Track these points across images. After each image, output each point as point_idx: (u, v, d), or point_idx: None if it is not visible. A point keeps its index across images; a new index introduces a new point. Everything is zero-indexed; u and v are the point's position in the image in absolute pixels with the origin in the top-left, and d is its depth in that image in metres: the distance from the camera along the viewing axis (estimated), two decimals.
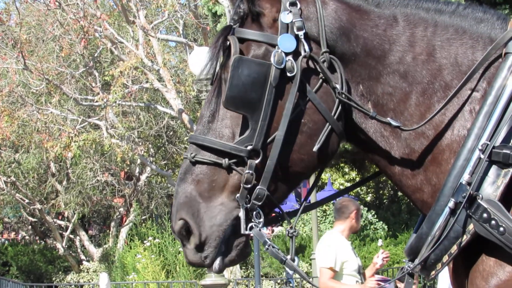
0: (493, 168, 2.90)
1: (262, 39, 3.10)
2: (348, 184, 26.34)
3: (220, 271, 3.20)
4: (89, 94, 16.99)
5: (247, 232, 3.04)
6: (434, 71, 3.19)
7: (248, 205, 3.04)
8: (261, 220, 3.07)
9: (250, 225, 3.04)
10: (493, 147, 2.89)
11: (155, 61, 15.08)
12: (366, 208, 22.32)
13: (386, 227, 21.43)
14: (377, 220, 22.18)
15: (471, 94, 3.12)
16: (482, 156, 2.91)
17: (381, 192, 30.12)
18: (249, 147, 3.01)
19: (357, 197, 25.30)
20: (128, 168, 21.08)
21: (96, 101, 16.32)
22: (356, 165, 25.08)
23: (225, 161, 3.02)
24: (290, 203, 15.76)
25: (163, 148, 20.51)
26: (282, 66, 3.05)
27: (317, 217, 17.49)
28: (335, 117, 3.11)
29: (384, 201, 26.92)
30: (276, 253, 3.11)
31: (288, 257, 3.24)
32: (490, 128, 2.95)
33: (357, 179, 29.43)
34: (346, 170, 28.22)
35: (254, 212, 3.05)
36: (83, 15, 15.61)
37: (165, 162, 20.55)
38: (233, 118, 3.12)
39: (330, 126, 3.10)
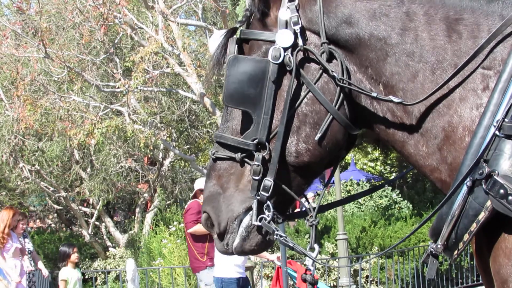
0: (509, 144, 2.90)
1: (263, 37, 3.23)
2: (372, 164, 26.33)
3: (240, 255, 3.42)
4: (111, 80, 17.03)
5: (256, 223, 3.16)
6: (442, 49, 3.21)
7: (258, 197, 3.16)
8: (269, 213, 3.17)
9: (260, 216, 3.17)
10: (508, 122, 2.90)
11: (175, 46, 15.05)
12: (390, 187, 22.26)
13: (411, 206, 21.38)
14: (402, 199, 22.11)
15: (483, 71, 3.11)
16: (497, 133, 2.94)
17: (405, 170, 30.05)
18: (255, 141, 3.15)
19: (381, 177, 25.27)
20: (151, 153, 21.13)
21: (118, 88, 16.34)
22: (379, 145, 25.04)
23: (237, 156, 3.18)
24: (315, 185, 15.76)
25: (186, 133, 20.49)
26: (280, 61, 3.15)
27: (341, 194, 17.51)
28: (337, 106, 3.18)
29: (408, 179, 26.87)
30: (285, 242, 3.28)
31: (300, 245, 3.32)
32: (505, 105, 2.95)
33: (380, 158, 29.42)
34: (369, 149, 28.20)
35: (264, 205, 3.17)
36: (102, 1, 15.59)
37: (188, 146, 20.56)
38: (243, 114, 3.25)
39: (331, 116, 3.17)
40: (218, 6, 15.51)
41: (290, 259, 13.76)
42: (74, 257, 12.22)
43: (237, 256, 10.51)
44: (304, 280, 3.60)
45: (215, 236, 3.30)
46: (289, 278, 11.94)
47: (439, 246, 3.03)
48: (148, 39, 15.51)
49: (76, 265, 12.33)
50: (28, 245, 14.93)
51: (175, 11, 15.17)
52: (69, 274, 11.75)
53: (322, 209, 3.56)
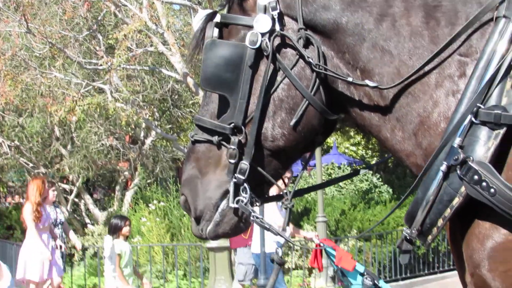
0: (484, 130, 2.93)
1: (241, 22, 3.27)
2: (354, 148, 26.42)
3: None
4: (93, 57, 16.97)
5: (233, 205, 3.21)
6: (420, 35, 3.23)
7: (235, 180, 3.21)
8: (246, 195, 3.22)
9: (237, 198, 3.22)
10: (484, 108, 2.92)
11: (159, 25, 15.02)
12: (371, 172, 22.37)
13: (391, 190, 21.50)
14: (382, 183, 22.22)
15: (460, 58, 3.14)
16: (473, 119, 2.96)
17: (386, 155, 30.18)
18: (231, 125, 3.18)
19: (362, 161, 25.34)
20: (133, 132, 21.13)
21: (100, 65, 16.31)
22: (360, 129, 25.18)
23: (215, 139, 3.22)
24: (296, 167, 15.80)
25: (168, 112, 20.49)
26: (257, 46, 3.19)
27: (322, 181, 17.56)
28: (313, 91, 3.22)
29: (389, 164, 27.00)
30: (261, 224, 3.38)
31: (277, 226, 3.38)
32: (482, 91, 2.98)
33: (362, 142, 29.55)
34: (352, 133, 28.29)
35: (241, 187, 3.21)
36: None
37: (170, 126, 20.56)
38: (220, 98, 3.29)
39: (307, 101, 3.21)
40: None
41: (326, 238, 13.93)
42: (126, 230, 12.07)
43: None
44: (272, 260, 3.65)
45: (191, 219, 3.36)
46: (327, 256, 11.98)
47: (413, 231, 3.07)
48: (132, 16, 15.46)
49: (127, 238, 12.19)
50: (60, 215, 14.82)
51: None
52: (122, 247, 11.65)
53: (298, 193, 3.62)
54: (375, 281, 9.10)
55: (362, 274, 10.36)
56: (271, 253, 11.24)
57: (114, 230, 12.03)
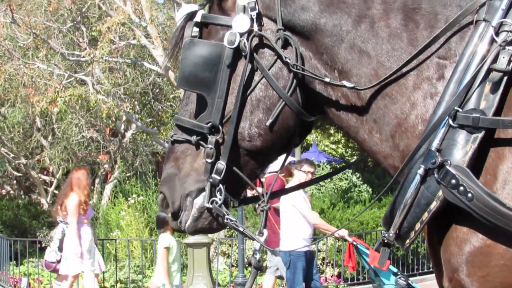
0: (462, 134, 2.92)
1: (220, 22, 3.26)
2: (333, 146, 26.49)
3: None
4: (76, 49, 16.96)
5: (207, 205, 3.20)
6: (398, 37, 3.21)
7: (211, 180, 3.20)
8: (221, 196, 3.20)
9: (212, 199, 3.20)
10: (463, 112, 2.91)
11: (142, 18, 15.03)
12: (350, 171, 22.42)
13: (370, 189, 21.54)
14: (362, 182, 22.27)
15: (439, 60, 3.14)
16: (451, 122, 2.95)
17: (366, 154, 30.25)
18: (209, 124, 3.17)
19: (342, 159, 25.40)
20: (113, 124, 21.09)
21: (83, 57, 16.29)
22: (339, 129, 25.32)
23: (193, 138, 3.22)
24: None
25: (149, 106, 20.49)
26: (235, 46, 3.18)
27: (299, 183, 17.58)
28: (289, 92, 3.20)
29: (369, 163, 27.12)
30: (235, 227, 3.35)
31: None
32: (460, 95, 2.96)
33: (342, 140, 29.66)
34: (332, 131, 28.37)
35: (217, 188, 3.21)
36: None
37: (150, 119, 20.54)
38: (199, 98, 3.28)
39: (283, 102, 3.19)
40: None
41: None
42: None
43: (304, 230, 10.66)
44: (249, 264, 3.64)
45: (169, 215, 3.36)
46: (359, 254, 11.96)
47: (391, 234, 3.06)
48: (116, 9, 15.44)
49: (173, 233, 11.92)
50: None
51: None
52: (170, 241, 11.51)
53: (275, 194, 3.61)
54: (409, 282, 9.19)
55: (395, 274, 10.39)
56: (295, 252, 11.24)
57: (161, 224, 11.77)
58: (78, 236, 13.17)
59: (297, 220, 10.87)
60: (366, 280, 16.00)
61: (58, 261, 13.51)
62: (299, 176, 11.42)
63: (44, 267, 14.25)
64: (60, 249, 13.48)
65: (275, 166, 12.14)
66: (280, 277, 13.40)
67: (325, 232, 12.88)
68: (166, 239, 11.38)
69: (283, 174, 12.20)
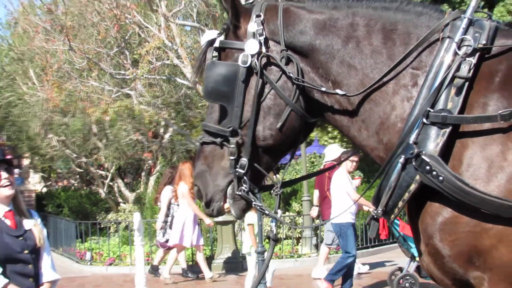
0: (434, 129, 2.93)
1: (235, 46, 3.29)
2: (331, 141, 26.36)
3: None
4: (122, 69, 16.92)
5: (237, 193, 3.27)
6: (379, 53, 3.20)
7: (237, 173, 3.24)
8: (246, 185, 3.26)
9: (240, 188, 3.26)
10: (433, 112, 2.91)
11: (174, 42, 14.99)
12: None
13: (362, 174, 21.47)
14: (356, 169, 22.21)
15: (413, 71, 3.12)
16: (425, 120, 2.94)
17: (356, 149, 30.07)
18: (230, 128, 3.19)
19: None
20: (154, 128, 21.11)
21: (127, 75, 16.30)
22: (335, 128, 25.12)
23: (218, 140, 3.24)
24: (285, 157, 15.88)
25: (182, 113, 20.44)
26: (247, 65, 3.19)
27: (306, 167, 17.55)
28: (294, 100, 3.20)
29: (360, 153, 26.93)
30: (261, 210, 3.44)
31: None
32: (431, 98, 2.96)
33: (338, 136, 29.55)
34: (329, 129, 28.22)
35: (242, 180, 3.25)
36: (116, 5, 15.58)
37: (183, 124, 20.49)
38: (221, 108, 3.29)
39: (289, 109, 3.19)
40: (209, 10, 15.42)
41: None
42: None
43: (350, 205, 10.68)
44: (268, 238, 3.68)
45: (203, 203, 3.40)
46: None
47: (379, 211, 3.11)
48: (152, 36, 15.43)
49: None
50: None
51: (175, 14, 15.09)
52: (254, 218, 11.33)
53: (286, 184, 3.65)
54: None
55: None
56: (344, 223, 11.20)
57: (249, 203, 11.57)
58: (190, 216, 13.57)
59: (344, 197, 10.81)
60: (364, 245, 15.99)
61: (167, 240, 13.95)
62: (346, 163, 11.35)
63: (159, 246, 14.57)
64: (170, 227, 13.86)
65: (331, 155, 12.17)
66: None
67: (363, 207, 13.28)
68: (251, 217, 11.29)
69: (335, 162, 12.27)
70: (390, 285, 11.53)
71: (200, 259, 14.08)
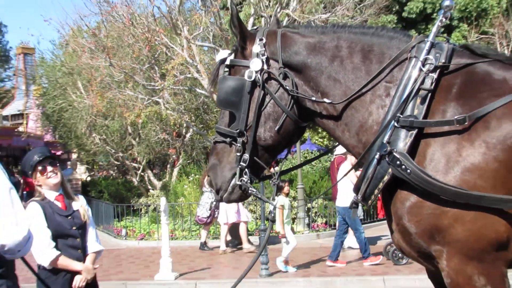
0: (403, 131, 2.95)
1: (242, 64, 3.30)
2: (321, 140, 26.31)
3: (228, 203, 3.66)
4: (152, 81, 16.93)
5: (238, 183, 3.29)
6: (358, 70, 3.20)
7: (240, 167, 3.26)
8: (247, 176, 3.28)
9: (241, 178, 3.28)
10: (403, 117, 2.93)
11: (194, 60, 14.98)
12: (332, 155, 22.25)
13: None
14: None
15: (386, 84, 3.14)
16: (396, 124, 2.96)
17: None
18: (237, 131, 3.21)
19: (326, 148, 25.29)
20: (177, 129, 21.08)
21: (156, 86, 16.32)
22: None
23: (227, 140, 3.27)
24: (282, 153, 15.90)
25: (200, 117, 20.42)
26: (252, 79, 3.21)
27: (300, 159, 17.54)
28: (289, 108, 3.22)
29: None
30: (256, 195, 3.40)
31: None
32: (401, 106, 2.99)
33: (327, 136, 29.61)
34: (320, 130, 28.24)
35: (244, 171, 3.28)
36: (147, 29, 15.60)
37: (201, 125, 20.46)
38: (230, 114, 3.32)
39: (285, 115, 3.22)
40: (223, 34, 15.43)
41: None
42: (286, 188, 11.50)
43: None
44: (267, 219, 3.69)
45: (214, 190, 3.42)
46: None
47: (359, 197, 3.16)
48: (177, 55, 15.42)
49: (287, 195, 11.59)
50: None
51: (195, 37, 15.07)
52: (283, 201, 11.16)
53: (283, 173, 3.67)
54: None
55: None
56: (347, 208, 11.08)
57: (279, 189, 11.36)
58: None
59: (348, 185, 10.72)
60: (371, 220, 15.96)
61: (208, 217, 13.87)
62: (351, 157, 11.28)
63: (197, 222, 14.44)
64: (210, 208, 13.79)
65: (340, 150, 11.93)
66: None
67: None
68: (281, 200, 11.22)
69: (343, 156, 12.34)
70: (385, 255, 11.55)
71: (242, 233, 13.97)
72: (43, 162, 4.96)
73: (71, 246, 5.01)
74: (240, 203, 13.56)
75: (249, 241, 13.97)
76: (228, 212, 13.55)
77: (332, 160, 14.12)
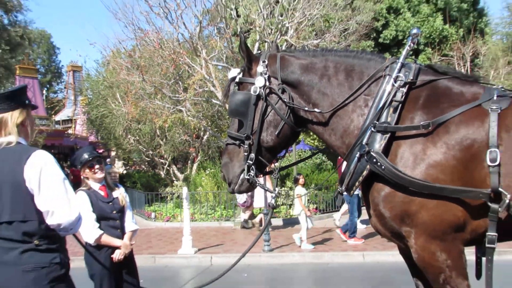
0: (379, 135, 2.95)
1: (248, 81, 3.26)
2: (312, 141, 26.22)
3: (238, 193, 3.52)
4: (176, 93, 16.92)
5: (246, 177, 3.28)
6: (342, 86, 3.19)
7: (247, 164, 3.25)
8: (253, 171, 3.26)
9: (248, 173, 3.26)
10: (378, 123, 2.92)
11: (210, 76, 14.98)
12: (322, 154, 22.25)
13: (332, 163, 21.39)
14: (327, 159, 22.11)
15: (365, 96, 3.15)
16: (373, 129, 2.96)
17: (323, 147, 29.97)
18: (244, 135, 3.20)
19: (317, 148, 25.22)
20: (197, 132, 21.08)
21: (180, 97, 16.32)
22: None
23: (237, 142, 3.26)
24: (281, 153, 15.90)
25: (215, 122, 20.38)
26: (257, 93, 3.21)
27: (296, 157, 17.50)
28: (286, 116, 3.22)
29: (331, 150, 26.82)
30: (262, 187, 3.43)
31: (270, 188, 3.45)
32: (377, 114, 3.00)
33: (317, 138, 29.57)
34: (311, 134, 28.11)
35: (250, 168, 3.26)
36: (173, 52, 15.60)
37: (216, 129, 20.41)
38: (239, 121, 3.31)
39: (283, 122, 3.22)
40: (234, 55, 15.40)
41: None
42: (301, 180, 11.17)
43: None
44: (269, 205, 3.67)
45: (226, 184, 3.40)
46: None
47: (343, 188, 3.13)
48: (196, 72, 15.41)
49: (303, 185, 11.33)
50: None
51: (211, 58, 15.06)
52: (301, 191, 11.01)
53: (282, 169, 3.67)
54: None
55: None
56: (354, 194, 10.81)
57: (295, 180, 11.31)
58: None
59: None
60: (332, 210, 15.95)
61: (245, 202, 13.89)
62: None
63: (240, 206, 14.40)
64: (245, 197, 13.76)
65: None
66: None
67: None
68: (298, 190, 11.15)
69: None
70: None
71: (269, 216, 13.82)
72: (92, 160, 5.00)
73: (112, 227, 5.04)
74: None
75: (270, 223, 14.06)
76: (260, 198, 13.52)
77: (339, 157, 14.05)
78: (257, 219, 14.32)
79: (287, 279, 8.89)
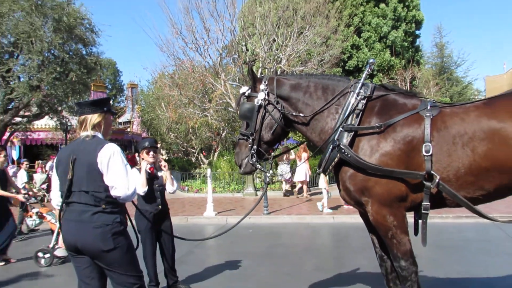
0: (345, 133, 2.92)
1: (254, 95, 3.19)
2: (298, 137, 26.19)
3: (245, 174, 3.48)
4: (203, 104, 16.88)
5: (250, 162, 3.23)
6: (320, 99, 3.19)
7: (250, 153, 3.17)
8: (255, 159, 3.19)
9: (252, 159, 3.20)
10: (345, 125, 2.90)
11: (228, 92, 14.93)
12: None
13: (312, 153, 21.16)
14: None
15: (336, 106, 3.12)
16: (341, 129, 2.92)
17: (305, 142, 29.71)
18: (250, 133, 3.15)
19: (302, 142, 25.15)
20: (217, 130, 21.05)
21: (206, 106, 16.27)
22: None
23: (244, 138, 3.19)
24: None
25: (231, 124, 20.32)
26: (259, 104, 3.16)
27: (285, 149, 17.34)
28: (279, 120, 3.16)
29: (311, 144, 26.52)
30: (261, 169, 3.27)
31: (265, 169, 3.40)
32: (345, 119, 2.96)
33: (301, 135, 29.36)
34: (297, 132, 27.89)
35: (253, 155, 3.21)
36: (201, 74, 15.55)
37: (231, 129, 20.42)
38: (246, 123, 3.24)
39: (277, 124, 3.16)
40: (244, 77, 15.37)
41: None
42: (305, 155, 10.74)
43: None
44: (264, 181, 3.63)
45: (238, 166, 3.29)
46: None
47: (320, 170, 3.08)
48: (218, 89, 15.36)
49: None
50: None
51: (228, 79, 15.02)
52: (303, 167, 10.83)
53: (274, 157, 3.65)
54: None
55: None
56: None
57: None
58: (303, 166, 12.69)
59: None
60: (315, 187, 15.79)
61: (289, 179, 13.38)
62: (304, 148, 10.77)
63: (284, 180, 13.89)
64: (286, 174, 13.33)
65: None
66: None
67: None
68: (302, 167, 10.69)
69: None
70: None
71: (304, 187, 13.58)
72: (150, 148, 4.98)
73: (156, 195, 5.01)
74: (306, 169, 13.04)
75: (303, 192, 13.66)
76: (301, 174, 13.27)
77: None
78: (296, 189, 14.03)
79: (279, 234, 8.90)
